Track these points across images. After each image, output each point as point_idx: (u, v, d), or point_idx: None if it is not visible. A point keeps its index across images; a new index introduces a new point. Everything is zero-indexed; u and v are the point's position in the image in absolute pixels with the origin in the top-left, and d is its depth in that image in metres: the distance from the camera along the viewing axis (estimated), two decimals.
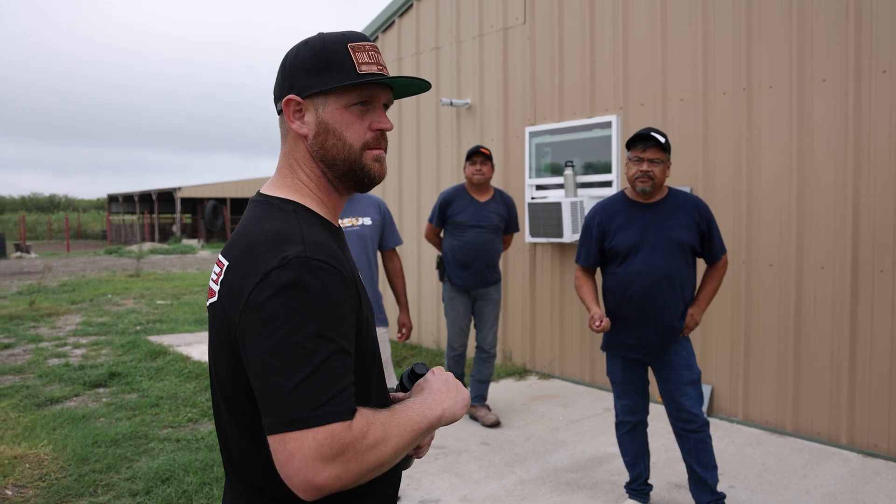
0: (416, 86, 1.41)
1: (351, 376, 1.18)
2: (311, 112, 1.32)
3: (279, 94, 1.35)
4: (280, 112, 1.36)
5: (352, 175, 1.35)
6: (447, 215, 5.24)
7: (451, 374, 1.41)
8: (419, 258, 7.80)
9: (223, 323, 1.24)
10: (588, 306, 3.68)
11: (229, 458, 1.35)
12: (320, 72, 1.30)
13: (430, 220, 5.38)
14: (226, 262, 1.28)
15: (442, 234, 5.37)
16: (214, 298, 1.29)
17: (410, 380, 1.44)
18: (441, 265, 5.33)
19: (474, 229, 5.16)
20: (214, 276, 1.31)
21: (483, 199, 5.24)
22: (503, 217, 5.27)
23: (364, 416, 1.17)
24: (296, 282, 1.15)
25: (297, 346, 1.12)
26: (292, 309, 1.14)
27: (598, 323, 3.50)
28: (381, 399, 1.37)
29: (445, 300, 5.36)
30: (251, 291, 1.17)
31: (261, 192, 1.39)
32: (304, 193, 1.35)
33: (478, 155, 5.14)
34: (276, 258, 1.17)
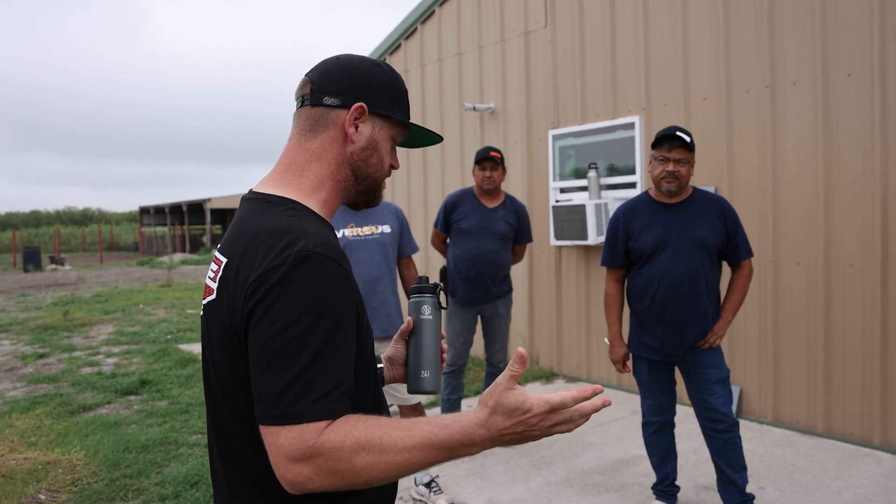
0: (431, 140, 1.53)
1: (344, 375, 1.17)
2: (369, 126, 1.37)
3: (336, 91, 1.35)
4: (318, 104, 1.36)
5: (369, 194, 1.44)
6: (451, 220, 4.84)
7: (542, 405, 1.18)
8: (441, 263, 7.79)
9: (223, 319, 1.25)
10: (612, 341, 3.77)
11: (228, 460, 1.34)
12: (391, 98, 1.40)
13: (436, 225, 4.98)
14: (224, 259, 1.28)
15: (448, 241, 4.98)
16: (213, 296, 1.29)
17: (420, 294, 1.54)
18: (444, 277, 4.92)
19: (479, 237, 4.73)
20: (212, 274, 1.32)
21: (492, 204, 4.82)
22: (512, 226, 4.84)
23: (348, 423, 1.14)
24: (296, 276, 1.16)
25: (291, 341, 1.13)
26: (290, 303, 1.15)
27: (619, 366, 3.76)
28: (376, 405, 1.36)
29: (445, 314, 4.90)
30: (251, 286, 1.18)
31: (255, 190, 1.38)
32: (307, 194, 1.35)
33: (488, 160, 4.70)
34: (278, 253, 1.18)
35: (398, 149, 1.45)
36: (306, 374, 1.13)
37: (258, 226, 1.26)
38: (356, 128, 1.37)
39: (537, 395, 1.18)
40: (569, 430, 1.21)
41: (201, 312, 1.37)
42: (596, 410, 1.20)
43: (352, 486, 1.14)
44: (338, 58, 1.41)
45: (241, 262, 1.23)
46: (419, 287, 1.55)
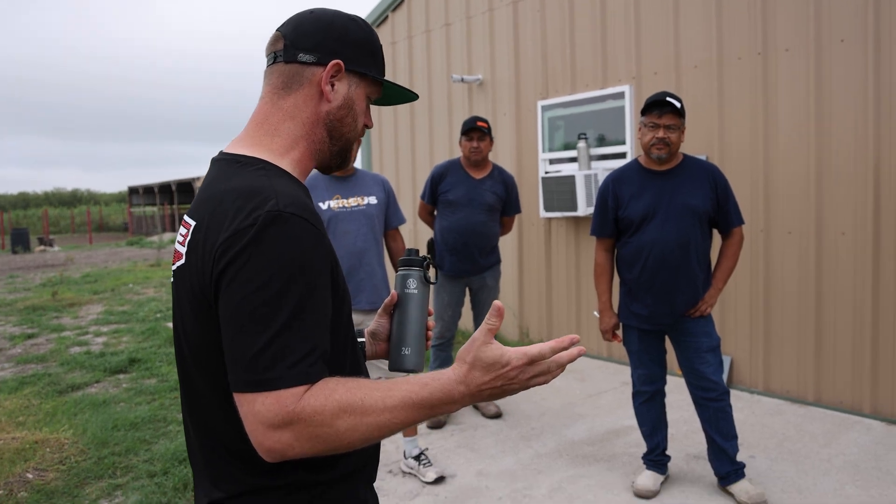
0: (406, 97, 1.48)
1: (320, 338, 1.14)
2: (345, 84, 1.32)
3: (311, 47, 1.29)
4: (292, 61, 1.30)
5: (342, 155, 1.38)
6: (438, 191, 4.78)
7: (520, 358, 1.17)
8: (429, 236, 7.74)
9: (193, 284, 1.20)
10: (601, 310, 3.73)
11: (202, 431, 1.30)
12: (367, 55, 1.35)
13: (422, 197, 4.92)
14: (192, 223, 1.23)
15: (435, 213, 4.94)
16: (182, 261, 1.24)
17: (407, 264, 1.47)
18: (431, 249, 4.91)
19: (467, 209, 4.68)
20: (181, 238, 1.26)
21: (479, 175, 4.77)
22: (500, 197, 4.79)
23: (328, 386, 1.11)
24: (266, 236, 1.11)
25: (263, 304, 1.09)
26: (262, 264, 1.10)
27: (608, 336, 3.73)
28: (355, 369, 1.32)
29: (433, 287, 4.88)
30: (221, 248, 1.13)
31: (226, 151, 1.33)
32: (279, 154, 1.30)
33: (475, 131, 4.65)
34: (247, 213, 1.13)
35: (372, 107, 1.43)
36: (281, 338, 1.09)
37: (227, 187, 1.21)
38: (332, 86, 1.31)
39: (514, 348, 1.17)
40: (546, 382, 1.20)
41: (171, 279, 1.32)
42: (573, 360, 1.19)
43: (334, 450, 1.12)
44: (311, 11, 1.35)
45: (209, 224, 1.18)
46: (407, 259, 1.49)
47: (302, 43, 1.30)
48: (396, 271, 1.53)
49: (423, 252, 4.79)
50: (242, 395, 1.09)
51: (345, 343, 1.29)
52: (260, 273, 1.10)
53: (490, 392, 1.17)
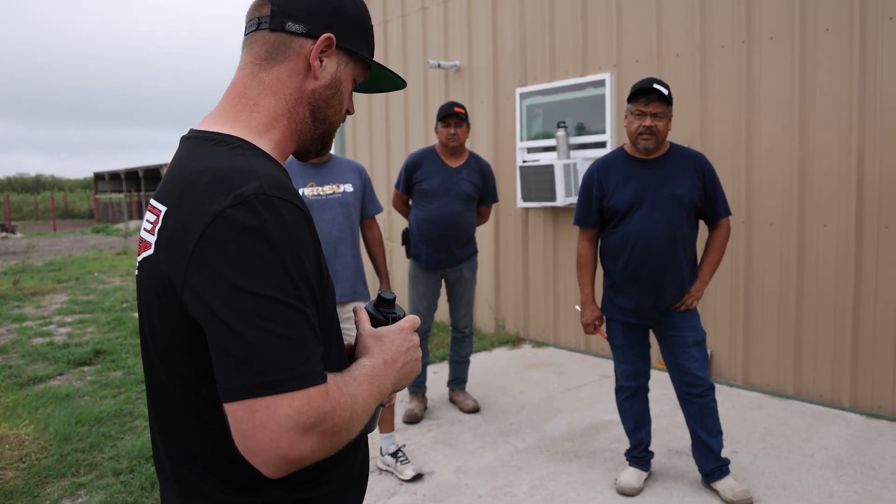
0: (394, 84, 1.38)
1: (317, 329, 1.02)
2: (334, 62, 1.21)
3: (302, 16, 1.17)
4: (279, 30, 1.17)
5: (322, 141, 1.27)
6: (413, 180, 4.61)
7: (404, 330, 1.25)
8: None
9: (162, 276, 1.06)
10: (583, 302, 3.62)
11: (171, 441, 1.17)
12: (359, 34, 1.25)
13: (397, 187, 4.75)
14: (162, 208, 1.09)
15: (411, 203, 4.79)
16: (150, 251, 1.10)
17: (377, 308, 1.29)
18: (406, 240, 4.76)
19: (442, 198, 4.53)
20: (149, 226, 1.12)
21: (455, 164, 4.60)
22: (477, 186, 4.63)
23: (335, 382, 1.02)
24: (255, 222, 0.98)
25: (264, 298, 0.96)
26: (254, 254, 0.97)
27: (589, 329, 3.63)
28: (341, 361, 1.21)
29: (408, 278, 4.78)
30: (200, 236, 0.99)
31: (197, 128, 1.19)
32: (257, 132, 1.17)
33: (452, 117, 4.48)
34: (229, 196, 1.00)
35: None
36: (289, 333, 0.97)
37: (202, 167, 1.07)
38: (321, 62, 1.19)
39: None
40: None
41: (136, 271, 1.17)
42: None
43: (334, 448, 1.02)
44: None
45: (183, 208, 1.04)
46: (373, 316, 1.28)
47: (292, 11, 1.17)
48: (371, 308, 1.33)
49: (398, 241, 4.64)
50: (255, 400, 0.94)
51: (329, 331, 1.17)
52: (252, 264, 0.97)
53: (403, 359, 1.20)
